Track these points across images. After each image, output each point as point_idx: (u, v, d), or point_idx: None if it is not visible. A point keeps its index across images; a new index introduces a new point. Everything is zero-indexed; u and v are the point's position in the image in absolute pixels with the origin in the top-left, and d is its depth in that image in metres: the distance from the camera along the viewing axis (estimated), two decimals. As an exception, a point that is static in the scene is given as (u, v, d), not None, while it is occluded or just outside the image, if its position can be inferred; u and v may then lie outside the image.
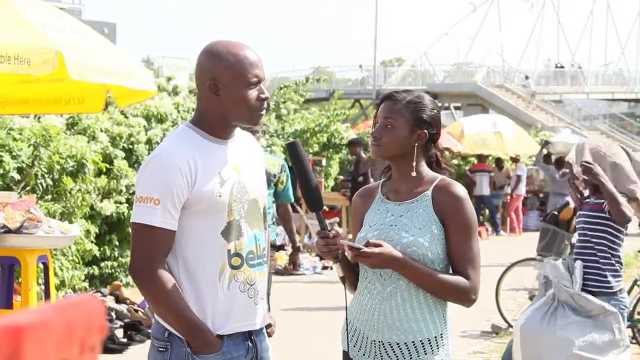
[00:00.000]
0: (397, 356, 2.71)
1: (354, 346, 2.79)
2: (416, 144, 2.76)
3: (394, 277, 2.71)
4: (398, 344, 2.71)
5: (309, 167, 2.76)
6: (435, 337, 2.72)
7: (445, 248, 2.73)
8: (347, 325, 2.81)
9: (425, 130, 2.76)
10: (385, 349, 2.72)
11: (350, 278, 2.84)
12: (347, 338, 2.81)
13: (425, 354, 2.70)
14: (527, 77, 41.80)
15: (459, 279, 2.70)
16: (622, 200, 4.68)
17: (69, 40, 5.18)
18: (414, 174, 2.78)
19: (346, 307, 2.80)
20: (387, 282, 2.73)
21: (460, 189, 2.76)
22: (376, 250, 2.63)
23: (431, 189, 2.76)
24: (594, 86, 47.09)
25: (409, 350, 2.70)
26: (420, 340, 2.70)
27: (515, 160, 19.43)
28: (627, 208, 4.69)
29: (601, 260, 4.83)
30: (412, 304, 2.71)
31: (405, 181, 2.80)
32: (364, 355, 2.76)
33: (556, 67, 45.97)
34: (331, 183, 15.62)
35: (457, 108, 42.02)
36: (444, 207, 2.73)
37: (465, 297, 2.72)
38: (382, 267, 2.69)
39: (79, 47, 5.23)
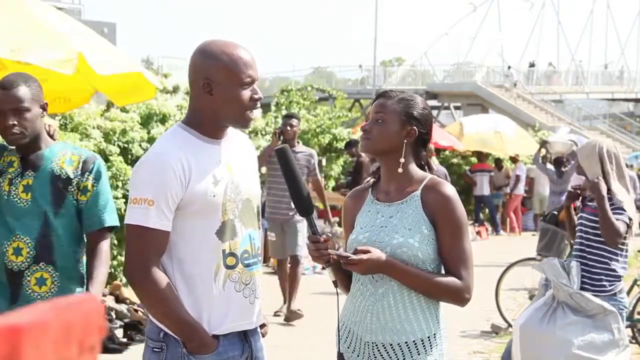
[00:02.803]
0: (390, 357, 2.71)
1: (348, 347, 2.79)
2: (405, 141, 2.76)
3: (386, 278, 2.71)
4: (391, 344, 2.70)
5: (299, 172, 2.74)
6: (429, 337, 2.72)
7: (436, 248, 2.72)
8: (339, 327, 2.81)
9: (415, 127, 2.76)
10: (378, 350, 2.72)
11: (343, 280, 2.84)
12: (340, 340, 2.81)
13: (419, 354, 2.70)
14: (509, 67, 41.91)
15: (451, 280, 2.70)
16: (617, 225, 4.70)
17: (83, 41, 5.20)
18: (400, 170, 2.77)
19: (338, 310, 2.80)
20: (378, 283, 2.73)
21: (449, 189, 2.76)
22: (364, 257, 2.62)
23: (420, 188, 2.76)
24: (594, 86, 47.06)
25: (402, 351, 2.70)
26: (414, 341, 2.70)
27: (514, 160, 19.42)
28: (619, 235, 4.71)
29: (598, 265, 4.83)
30: (404, 305, 2.71)
31: (395, 181, 2.80)
32: (357, 356, 2.76)
33: (530, 66, 45.69)
34: (332, 183, 15.61)
35: (457, 108, 42.03)
36: (434, 207, 2.72)
37: (459, 297, 2.72)
38: (372, 273, 2.69)
39: (91, 47, 5.25)
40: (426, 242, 2.71)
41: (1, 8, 5.16)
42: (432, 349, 2.73)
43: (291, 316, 8.26)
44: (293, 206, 8.21)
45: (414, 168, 2.81)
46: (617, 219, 4.73)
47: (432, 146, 14.16)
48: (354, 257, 2.63)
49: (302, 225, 8.31)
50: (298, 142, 8.51)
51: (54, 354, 1.01)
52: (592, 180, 4.79)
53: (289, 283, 8.45)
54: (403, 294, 2.71)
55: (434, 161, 12.77)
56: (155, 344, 2.61)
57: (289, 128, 8.29)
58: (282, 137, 8.37)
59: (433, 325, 2.73)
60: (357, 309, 2.77)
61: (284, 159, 2.73)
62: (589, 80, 47.37)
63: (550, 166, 14.46)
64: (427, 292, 2.71)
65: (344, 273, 2.83)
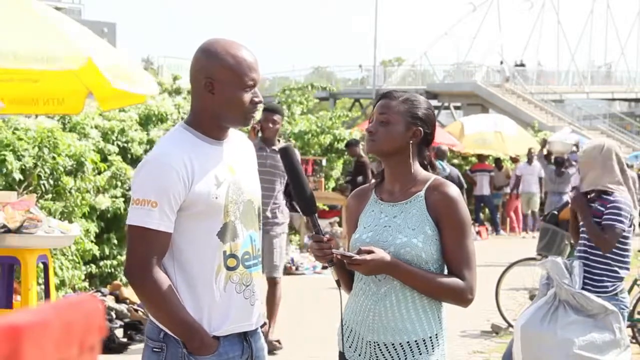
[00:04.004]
0: (392, 357, 2.71)
1: (350, 347, 2.79)
2: (411, 142, 2.76)
3: (389, 277, 2.71)
4: (393, 344, 2.70)
5: (302, 172, 2.75)
6: (430, 337, 2.72)
7: (439, 248, 2.72)
8: (342, 327, 2.81)
9: (420, 128, 2.76)
10: (380, 350, 2.72)
11: (346, 280, 2.84)
12: (343, 339, 2.81)
13: (420, 354, 2.70)
14: (501, 62, 41.89)
15: (454, 280, 2.70)
16: (605, 236, 4.79)
17: (88, 43, 5.20)
18: (413, 170, 2.78)
19: (341, 310, 2.80)
20: (381, 282, 2.73)
21: (453, 189, 2.76)
22: (368, 257, 2.62)
23: (424, 189, 2.76)
24: (594, 86, 47.05)
25: (404, 351, 2.70)
26: (415, 341, 2.70)
27: (514, 160, 19.43)
28: (609, 245, 4.78)
29: (600, 266, 4.83)
30: (406, 305, 2.71)
31: (399, 181, 2.80)
32: (359, 355, 2.76)
33: (516, 65, 45.43)
34: (332, 184, 15.62)
35: (457, 108, 42.02)
36: (438, 208, 2.72)
37: (462, 297, 2.71)
38: (376, 274, 2.69)
39: (96, 50, 5.26)
40: (430, 243, 2.71)
41: (4, 7, 5.16)
42: (434, 349, 2.73)
43: (269, 346, 6.77)
44: (272, 215, 7.01)
45: (418, 168, 2.81)
46: (610, 225, 4.76)
47: (446, 148, 14.09)
48: (358, 257, 2.63)
49: (280, 241, 7.24)
50: (279, 140, 7.27)
51: (54, 353, 1.00)
52: (574, 195, 4.93)
53: (267, 308, 7.06)
54: (405, 293, 2.71)
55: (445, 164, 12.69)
56: (155, 344, 2.60)
57: (270, 125, 7.02)
58: (260, 134, 7.11)
59: (435, 326, 2.73)
60: (360, 309, 2.77)
61: (288, 158, 2.73)
62: (589, 80, 47.37)
63: (550, 166, 14.46)
64: (430, 293, 2.71)
65: (346, 272, 2.83)
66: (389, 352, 2.71)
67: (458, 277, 2.71)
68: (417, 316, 2.71)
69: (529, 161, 17.66)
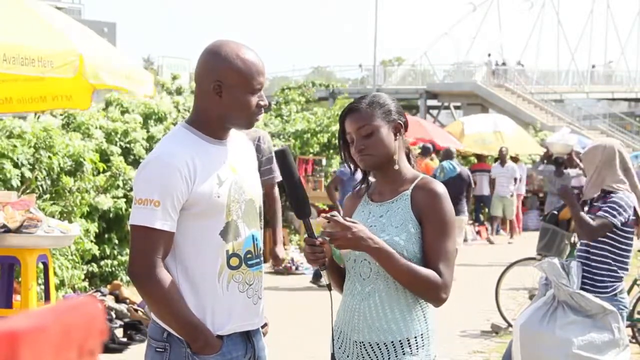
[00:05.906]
0: (377, 356, 2.69)
1: (339, 348, 2.79)
2: (397, 137, 2.78)
3: (372, 277, 2.70)
4: (378, 344, 2.69)
5: (298, 175, 2.73)
6: (415, 337, 2.70)
7: (422, 247, 2.71)
8: (333, 329, 2.81)
9: (398, 121, 2.77)
10: (366, 350, 2.71)
11: (339, 283, 2.84)
12: (333, 341, 2.80)
13: (404, 354, 2.68)
14: (489, 55, 41.92)
15: (431, 273, 2.65)
16: (589, 222, 4.80)
17: (86, 43, 5.20)
18: (396, 167, 2.77)
19: (332, 313, 2.78)
20: (365, 282, 2.72)
21: (439, 187, 2.74)
22: (355, 226, 2.61)
23: (411, 188, 2.76)
24: (594, 86, 47.02)
25: (387, 351, 2.68)
26: (400, 341, 2.68)
27: (515, 160, 19.41)
28: (590, 233, 4.80)
29: (599, 265, 4.83)
30: (390, 304, 2.69)
31: (389, 181, 2.80)
32: (347, 357, 2.75)
33: (496, 64, 45.21)
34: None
35: (457, 107, 41.99)
36: (422, 204, 2.71)
37: (435, 293, 2.66)
38: (359, 246, 2.64)
39: (95, 49, 5.26)
40: (412, 241, 2.69)
41: (3, 7, 5.16)
42: (419, 349, 2.70)
43: None
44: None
45: (406, 165, 2.82)
46: (601, 215, 4.77)
47: (454, 149, 13.96)
48: (347, 222, 2.62)
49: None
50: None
51: (53, 358, 1.00)
52: (563, 188, 5.03)
53: None
54: (390, 293, 2.70)
55: (455, 161, 12.45)
56: (158, 344, 2.60)
57: None
58: None
59: (420, 325, 2.71)
60: (346, 308, 2.77)
61: (283, 160, 2.72)
62: (588, 80, 47.33)
63: (550, 166, 14.45)
64: (405, 280, 2.65)
65: (338, 276, 2.84)
66: (374, 352, 2.70)
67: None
68: (402, 316, 2.69)
69: (502, 163, 17.27)
